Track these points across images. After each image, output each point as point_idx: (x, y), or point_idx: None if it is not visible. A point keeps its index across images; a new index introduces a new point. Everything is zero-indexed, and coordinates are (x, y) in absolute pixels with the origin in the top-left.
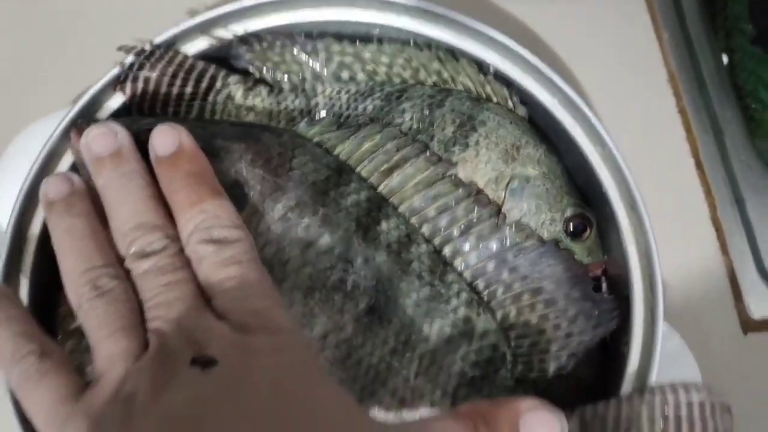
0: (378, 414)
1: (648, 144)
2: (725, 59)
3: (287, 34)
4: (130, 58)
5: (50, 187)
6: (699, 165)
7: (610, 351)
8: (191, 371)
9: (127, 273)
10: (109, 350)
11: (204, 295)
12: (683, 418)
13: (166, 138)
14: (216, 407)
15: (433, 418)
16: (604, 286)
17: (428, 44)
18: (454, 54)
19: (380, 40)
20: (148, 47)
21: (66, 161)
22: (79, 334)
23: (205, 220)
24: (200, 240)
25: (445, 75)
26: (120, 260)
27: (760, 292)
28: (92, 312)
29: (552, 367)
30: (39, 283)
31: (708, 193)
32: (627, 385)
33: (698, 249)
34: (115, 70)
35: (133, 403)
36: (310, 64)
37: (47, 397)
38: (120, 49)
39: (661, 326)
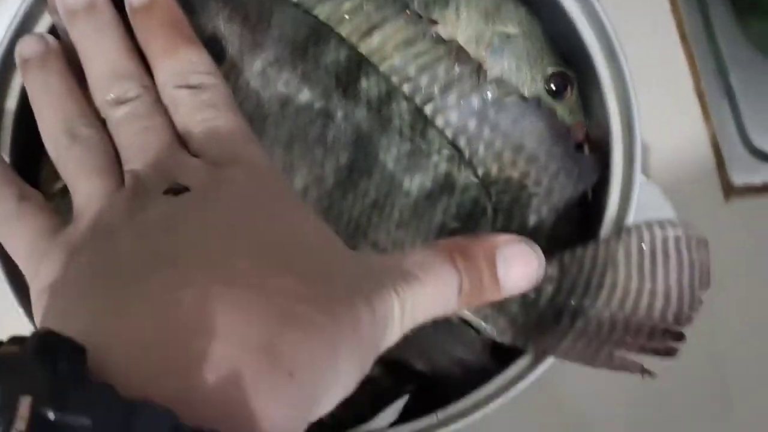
0: None
1: (633, 17)
2: None
3: None
4: None
5: (25, 46)
6: (684, 37)
7: (590, 208)
8: (164, 197)
9: (104, 123)
10: (87, 189)
11: (180, 140)
12: (658, 251)
13: None
14: (187, 217)
15: (413, 251)
16: (586, 148)
17: None
18: None
19: None
20: None
21: (42, 26)
22: (61, 193)
23: (181, 67)
24: (176, 85)
25: None
26: (97, 113)
27: (743, 159)
28: (70, 158)
29: (532, 221)
30: (19, 152)
31: (692, 63)
32: (605, 232)
33: (682, 117)
34: None
35: (109, 228)
36: None
37: (27, 235)
38: None
39: (639, 174)
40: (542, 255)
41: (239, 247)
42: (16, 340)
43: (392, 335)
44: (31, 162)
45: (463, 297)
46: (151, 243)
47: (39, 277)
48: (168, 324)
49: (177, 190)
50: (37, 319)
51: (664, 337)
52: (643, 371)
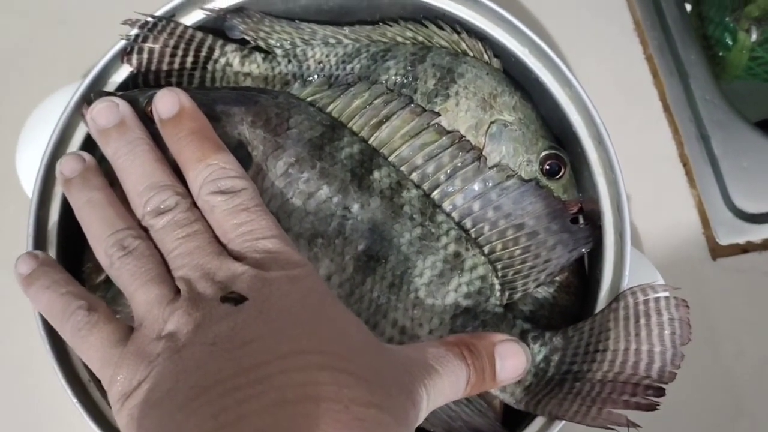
0: None
1: (618, 90)
2: (688, 7)
3: (272, 16)
4: (134, 31)
5: (65, 166)
6: (666, 107)
7: (589, 281)
8: (225, 307)
9: (147, 231)
10: (145, 297)
11: (219, 241)
12: (641, 312)
13: (167, 101)
14: (257, 329)
15: (427, 344)
16: (581, 219)
17: (395, 20)
18: (422, 23)
19: (352, 24)
20: (150, 20)
21: (81, 131)
22: (105, 286)
23: (213, 173)
24: (210, 191)
25: (420, 38)
26: (138, 223)
27: (727, 220)
28: (124, 268)
29: (533, 286)
30: (64, 244)
31: (675, 131)
32: (601, 304)
33: (668, 183)
34: (121, 43)
35: (177, 338)
36: (300, 33)
37: (99, 345)
38: (125, 22)
39: (630, 246)
40: (529, 352)
41: (310, 358)
42: None
43: (421, 419)
44: (75, 250)
45: (468, 387)
46: (231, 358)
47: (116, 385)
48: None
49: (236, 300)
50: (122, 424)
51: (646, 393)
52: (629, 424)
